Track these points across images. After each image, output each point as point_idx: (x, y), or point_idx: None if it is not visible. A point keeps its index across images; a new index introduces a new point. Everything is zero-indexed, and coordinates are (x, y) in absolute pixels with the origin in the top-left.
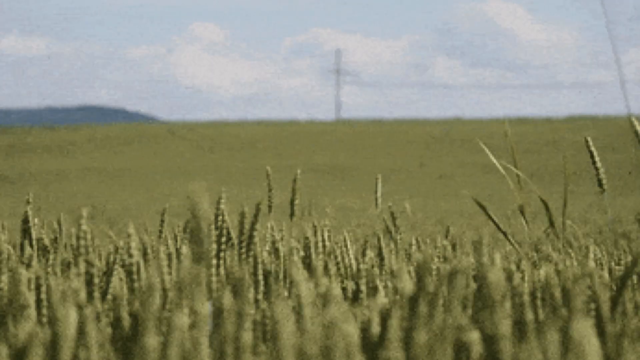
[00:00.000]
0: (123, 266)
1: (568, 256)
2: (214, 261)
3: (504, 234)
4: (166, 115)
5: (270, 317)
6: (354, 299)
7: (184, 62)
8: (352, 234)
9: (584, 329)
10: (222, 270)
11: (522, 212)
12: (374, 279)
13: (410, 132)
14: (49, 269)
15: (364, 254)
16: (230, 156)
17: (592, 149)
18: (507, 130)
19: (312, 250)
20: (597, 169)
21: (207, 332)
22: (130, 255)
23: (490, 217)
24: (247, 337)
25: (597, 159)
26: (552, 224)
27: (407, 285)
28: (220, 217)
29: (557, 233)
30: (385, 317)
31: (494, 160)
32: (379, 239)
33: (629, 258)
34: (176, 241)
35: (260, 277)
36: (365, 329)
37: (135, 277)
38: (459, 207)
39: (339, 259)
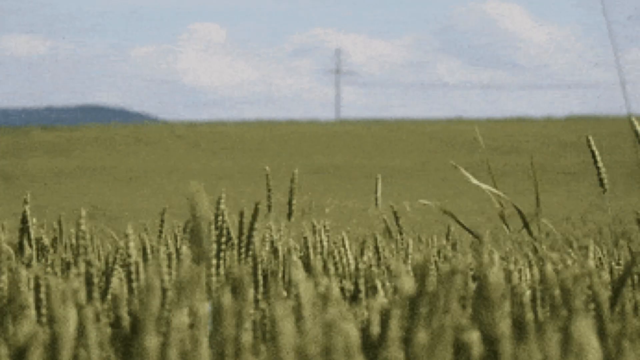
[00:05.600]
0: (122, 266)
1: (568, 256)
2: (214, 261)
3: (477, 236)
4: (166, 115)
5: (270, 316)
6: (353, 298)
7: (184, 62)
8: (352, 233)
9: (584, 329)
10: (222, 270)
11: (502, 217)
12: (373, 278)
13: (410, 132)
14: (49, 269)
15: (362, 254)
16: (230, 156)
17: (594, 148)
18: (477, 135)
19: (311, 250)
20: (598, 168)
21: (207, 332)
22: (129, 255)
23: (460, 224)
24: (247, 337)
25: (598, 158)
26: (526, 225)
27: (407, 284)
28: (220, 217)
29: (532, 234)
30: (384, 317)
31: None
32: (375, 239)
33: (630, 258)
34: (176, 241)
35: (260, 277)
36: (364, 329)
37: (134, 277)
38: (458, 207)
39: (338, 258)
